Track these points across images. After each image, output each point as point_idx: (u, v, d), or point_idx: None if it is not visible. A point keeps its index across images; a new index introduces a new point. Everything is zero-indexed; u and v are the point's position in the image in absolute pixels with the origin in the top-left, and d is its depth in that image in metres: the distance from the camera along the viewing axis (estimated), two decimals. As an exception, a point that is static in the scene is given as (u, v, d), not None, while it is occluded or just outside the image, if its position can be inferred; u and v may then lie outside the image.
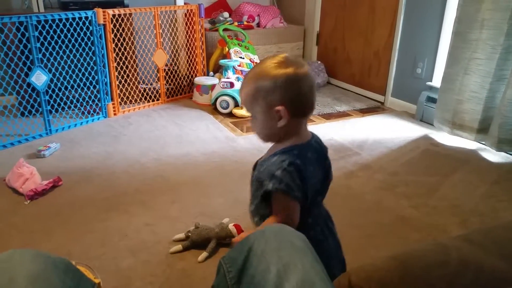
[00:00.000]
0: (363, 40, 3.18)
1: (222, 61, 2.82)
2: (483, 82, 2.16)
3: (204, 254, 1.35)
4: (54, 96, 2.42)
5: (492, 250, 0.66)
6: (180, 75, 3.06)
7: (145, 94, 2.90)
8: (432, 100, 2.56)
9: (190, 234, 1.42)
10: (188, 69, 3.10)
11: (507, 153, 2.17)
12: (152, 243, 1.42)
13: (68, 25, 2.32)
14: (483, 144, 2.27)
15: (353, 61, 3.31)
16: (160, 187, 1.80)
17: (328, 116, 2.76)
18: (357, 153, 2.18)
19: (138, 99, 2.86)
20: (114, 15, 2.51)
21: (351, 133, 2.46)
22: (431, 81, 2.65)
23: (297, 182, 0.83)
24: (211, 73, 3.22)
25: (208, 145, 2.26)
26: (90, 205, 1.66)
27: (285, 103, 0.85)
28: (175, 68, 3.07)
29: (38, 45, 2.19)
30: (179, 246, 1.38)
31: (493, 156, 2.16)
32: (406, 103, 2.84)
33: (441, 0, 2.50)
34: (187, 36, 3.07)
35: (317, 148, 0.93)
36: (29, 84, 2.24)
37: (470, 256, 0.64)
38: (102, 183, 1.84)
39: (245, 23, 3.54)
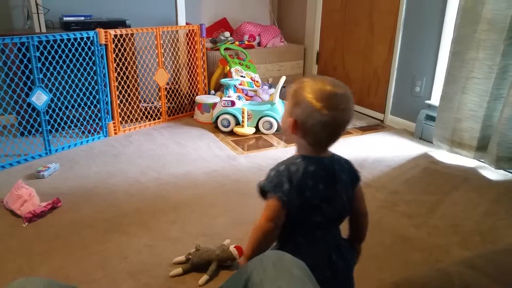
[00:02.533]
0: (362, 59, 3.22)
1: (223, 80, 2.85)
2: (481, 101, 2.19)
3: (204, 277, 1.34)
4: (54, 115, 2.43)
5: (495, 276, 0.66)
6: (181, 94, 3.09)
7: (146, 113, 2.91)
8: (431, 118, 2.58)
9: (190, 256, 1.41)
10: (189, 87, 3.13)
11: (506, 171, 2.17)
12: (153, 266, 1.41)
13: (69, 45, 2.36)
14: (482, 161, 2.28)
15: (352, 80, 3.35)
16: (160, 207, 1.80)
17: (328, 134, 2.77)
18: (357, 171, 2.18)
19: (139, 118, 2.88)
20: (116, 35, 2.55)
21: (352, 151, 2.47)
22: (429, 99, 2.68)
23: (286, 186, 0.86)
24: (212, 91, 3.25)
25: (209, 164, 2.26)
26: (89, 227, 1.65)
27: (297, 122, 0.88)
28: (177, 86, 3.10)
29: (39, 65, 2.22)
30: (179, 269, 1.37)
31: (492, 174, 2.17)
32: (406, 121, 2.86)
33: (439, 21, 2.54)
34: (189, 55, 3.11)
35: (328, 167, 0.91)
36: (29, 104, 2.26)
37: (473, 283, 0.63)
38: (102, 203, 1.84)
39: (246, 42, 3.58)
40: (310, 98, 0.85)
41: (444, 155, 2.39)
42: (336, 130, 0.88)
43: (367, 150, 2.50)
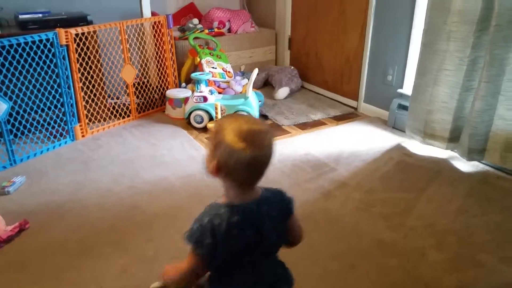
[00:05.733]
0: (335, 46, 3.17)
1: (193, 75, 2.75)
2: (452, 92, 2.20)
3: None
4: (16, 124, 2.29)
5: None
6: (151, 88, 2.97)
7: (114, 112, 2.79)
8: (403, 107, 2.59)
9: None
10: (159, 81, 3.01)
11: (479, 162, 2.22)
12: (130, 290, 1.38)
13: (27, 49, 2.19)
14: (454, 151, 2.32)
15: (325, 67, 3.31)
16: (135, 222, 1.75)
17: (304, 126, 2.75)
18: (333, 168, 2.19)
19: (107, 117, 2.76)
20: (77, 34, 2.39)
21: (327, 145, 2.46)
22: (401, 88, 2.68)
23: (207, 241, 0.85)
24: (184, 84, 3.15)
25: (185, 167, 2.21)
26: (61, 250, 1.58)
27: (220, 164, 0.85)
28: (145, 81, 2.97)
29: (-4, 72, 2.07)
30: (158, 292, 1.35)
31: (465, 165, 2.22)
32: (379, 109, 2.87)
33: (409, 10, 2.51)
34: (156, 48, 2.97)
35: (253, 213, 0.90)
36: (-12, 113, 2.11)
37: None
38: (73, 221, 1.76)
39: (215, 29, 3.46)
40: (231, 139, 0.83)
41: (417, 146, 2.42)
42: (259, 168, 0.87)
43: (342, 143, 2.50)
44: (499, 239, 1.63)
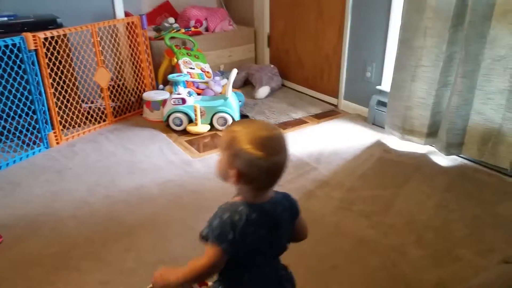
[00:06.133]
0: (313, 43, 3.16)
1: (170, 77, 2.69)
2: (430, 88, 2.21)
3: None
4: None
5: None
6: (127, 91, 2.90)
7: (89, 117, 2.71)
8: (382, 104, 2.59)
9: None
10: (135, 83, 2.94)
11: (457, 156, 2.24)
12: (108, 305, 1.34)
13: (-7, 55, 2.11)
14: (433, 146, 2.34)
15: (305, 64, 3.29)
16: (112, 233, 1.70)
17: (285, 126, 2.73)
18: (314, 168, 2.18)
19: (82, 123, 2.68)
20: (46, 38, 2.31)
21: (308, 144, 2.45)
22: (380, 84, 2.69)
23: (230, 237, 0.86)
24: (161, 85, 3.09)
25: (163, 173, 2.16)
26: (36, 265, 1.53)
27: (241, 173, 0.86)
28: (120, 84, 2.90)
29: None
30: (137, 307, 1.31)
31: (443, 159, 2.23)
32: (359, 106, 2.87)
33: (386, 8, 2.51)
34: (131, 49, 2.90)
35: (269, 213, 0.92)
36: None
37: None
38: (48, 234, 1.71)
39: (192, 29, 3.40)
40: (250, 148, 0.84)
41: (397, 142, 2.43)
42: (278, 172, 0.89)
43: (323, 141, 2.49)
44: (476, 233, 1.65)
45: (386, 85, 2.63)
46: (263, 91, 3.19)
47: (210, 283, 0.98)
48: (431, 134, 2.30)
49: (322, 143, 2.46)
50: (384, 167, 2.19)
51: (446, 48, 2.09)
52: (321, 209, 1.83)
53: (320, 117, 2.87)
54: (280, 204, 0.95)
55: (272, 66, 3.45)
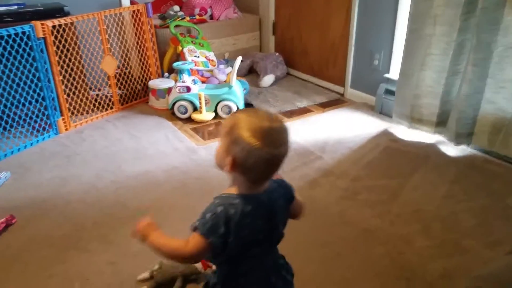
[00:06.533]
0: (320, 31, 3.13)
1: (175, 65, 2.69)
2: (439, 77, 2.19)
3: (170, 296, 1.32)
4: (-2, 120, 2.24)
5: None
6: (133, 79, 2.91)
7: (96, 104, 2.73)
8: (390, 92, 2.57)
9: (154, 273, 1.38)
10: (141, 71, 2.95)
11: (467, 146, 2.21)
12: (116, 286, 1.37)
13: (3, 43, 2.12)
14: (442, 136, 2.31)
15: (310, 52, 3.27)
16: (119, 217, 1.72)
17: (290, 114, 2.73)
18: (319, 157, 2.17)
19: (89, 110, 2.70)
20: (54, 26, 2.32)
21: (313, 133, 2.44)
22: (388, 73, 2.66)
23: (221, 231, 0.85)
24: (166, 74, 3.09)
25: (168, 159, 2.18)
26: (48, 245, 1.57)
27: (237, 161, 0.84)
28: (127, 71, 2.91)
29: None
30: (144, 288, 1.34)
31: (452, 149, 2.21)
32: (366, 95, 2.85)
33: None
34: (137, 37, 2.90)
35: (265, 203, 0.91)
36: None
37: None
38: (58, 216, 1.74)
39: (197, 17, 3.38)
40: (249, 137, 0.82)
41: (404, 132, 2.41)
42: (277, 165, 0.88)
43: (328, 130, 2.48)
44: (484, 224, 1.64)
45: (394, 73, 2.60)
46: (267, 79, 3.18)
47: (214, 267, 0.99)
48: (440, 123, 2.28)
49: (327, 132, 2.45)
50: (390, 156, 2.18)
51: (457, 36, 2.06)
52: (325, 198, 1.84)
53: (326, 105, 2.86)
54: (276, 192, 0.93)
55: (277, 54, 3.43)
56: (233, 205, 0.86)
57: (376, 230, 1.62)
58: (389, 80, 2.63)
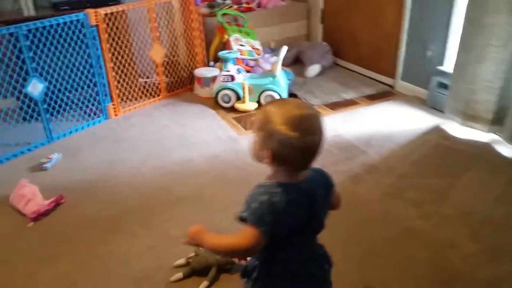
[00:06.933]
0: (371, 20, 3.01)
1: (221, 54, 2.71)
2: (498, 70, 2.04)
3: (204, 283, 1.34)
4: (52, 103, 2.37)
5: None
6: (179, 67, 2.97)
7: (144, 91, 2.82)
8: (443, 86, 2.42)
9: (190, 260, 1.41)
10: (188, 60, 2.99)
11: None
12: (154, 270, 1.42)
13: (59, 30, 2.24)
14: (498, 135, 2.16)
15: (360, 42, 3.15)
16: (163, 202, 1.78)
17: (335, 106, 2.66)
18: (364, 151, 2.10)
19: (138, 97, 2.79)
20: (106, 14, 2.40)
21: (358, 126, 2.37)
22: (442, 65, 2.51)
23: (268, 218, 0.86)
24: (212, 63, 3.11)
25: (211, 148, 2.21)
26: (94, 226, 1.66)
27: (275, 153, 0.85)
28: (174, 59, 2.96)
29: (31, 54, 2.13)
30: (179, 274, 1.38)
31: (508, 149, 2.06)
32: (417, 88, 2.71)
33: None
34: (185, 25, 2.94)
35: (306, 192, 0.91)
36: (26, 93, 2.20)
37: None
38: (105, 198, 1.83)
39: (244, 5, 3.37)
40: (283, 128, 0.83)
41: (457, 129, 2.27)
42: (314, 153, 0.88)
43: (375, 124, 2.39)
44: (540, 231, 1.52)
45: (448, 65, 2.45)
46: (313, 69, 3.11)
47: (248, 258, 0.99)
48: (497, 121, 2.12)
49: (373, 126, 2.37)
50: (441, 154, 2.06)
51: (521, 26, 1.90)
52: (368, 194, 1.78)
53: (374, 98, 2.76)
54: (315, 181, 0.94)
55: (324, 43, 3.34)
56: (276, 194, 0.87)
57: (421, 231, 1.55)
58: (442, 73, 2.47)
